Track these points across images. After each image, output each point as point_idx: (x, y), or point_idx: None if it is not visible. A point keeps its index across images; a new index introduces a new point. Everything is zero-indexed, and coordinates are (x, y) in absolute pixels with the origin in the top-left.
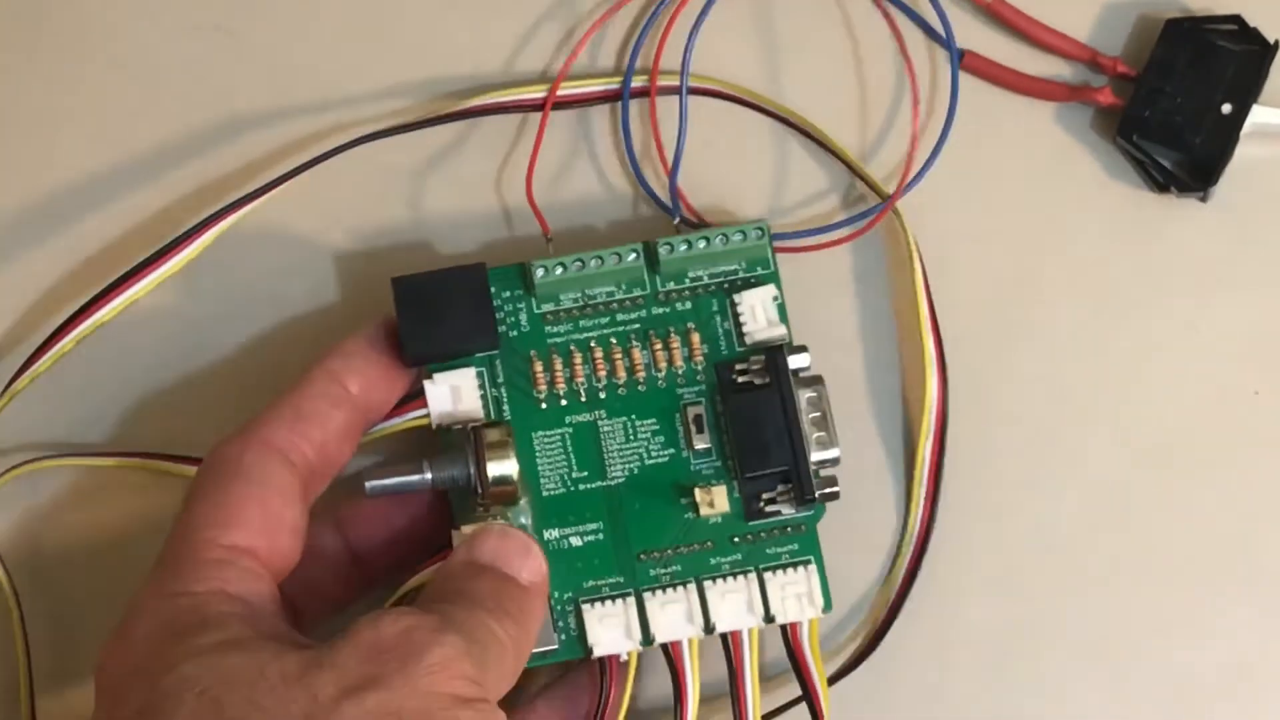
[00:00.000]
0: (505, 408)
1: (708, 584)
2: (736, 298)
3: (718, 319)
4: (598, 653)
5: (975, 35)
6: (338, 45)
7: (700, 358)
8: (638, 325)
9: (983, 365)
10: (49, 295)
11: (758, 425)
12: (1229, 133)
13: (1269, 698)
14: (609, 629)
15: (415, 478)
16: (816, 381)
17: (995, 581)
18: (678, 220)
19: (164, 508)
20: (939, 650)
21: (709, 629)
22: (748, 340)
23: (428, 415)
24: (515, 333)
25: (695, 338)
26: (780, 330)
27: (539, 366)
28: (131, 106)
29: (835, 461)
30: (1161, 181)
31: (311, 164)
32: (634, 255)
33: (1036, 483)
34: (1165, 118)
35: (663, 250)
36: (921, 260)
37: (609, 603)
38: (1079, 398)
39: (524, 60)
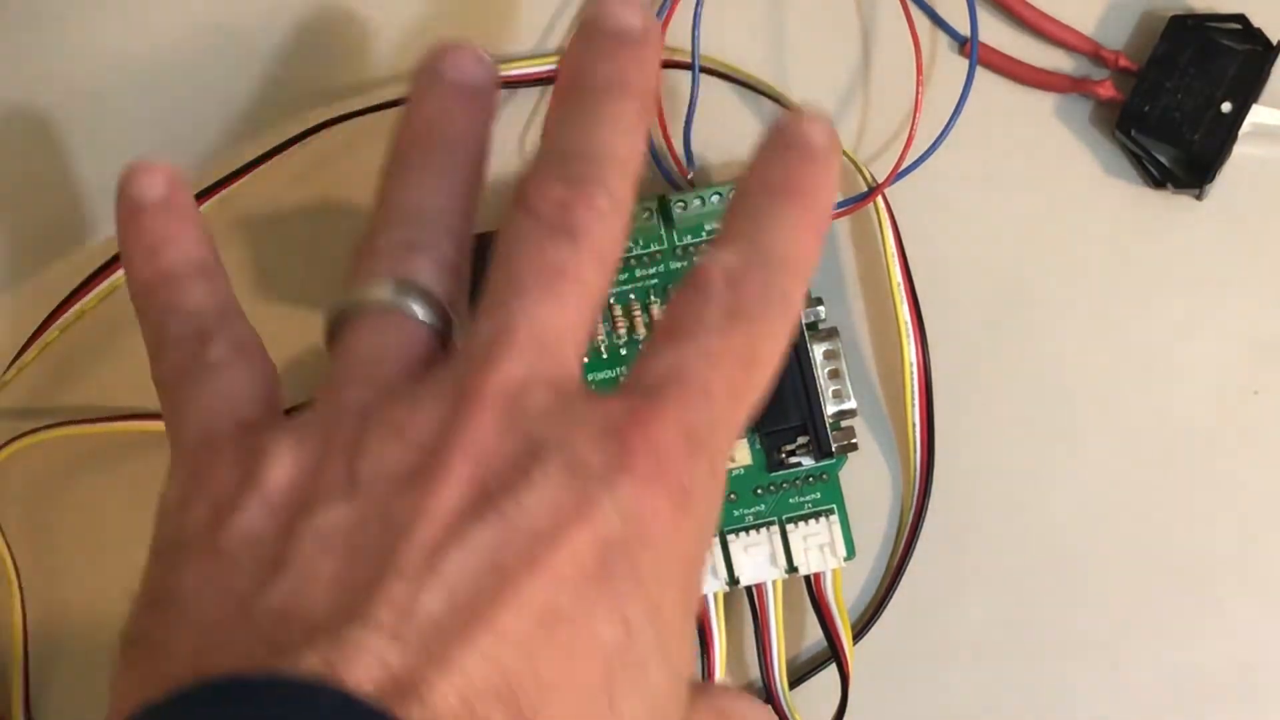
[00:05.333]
0: None
1: (730, 538)
2: None
3: None
4: None
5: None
6: (340, 42)
7: None
8: (656, 281)
9: (978, 360)
10: (51, 290)
11: (774, 380)
12: (1227, 131)
13: (1269, 698)
14: None
15: None
16: (833, 334)
17: (993, 582)
18: (691, 174)
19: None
20: (937, 652)
21: (733, 582)
22: None
23: None
24: None
25: None
26: None
27: None
28: (131, 105)
29: (852, 413)
30: (1158, 177)
31: (295, 140)
32: (647, 213)
33: (1035, 482)
34: (1165, 114)
35: (676, 207)
36: (896, 229)
37: None
38: (1077, 396)
39: (527, 44)
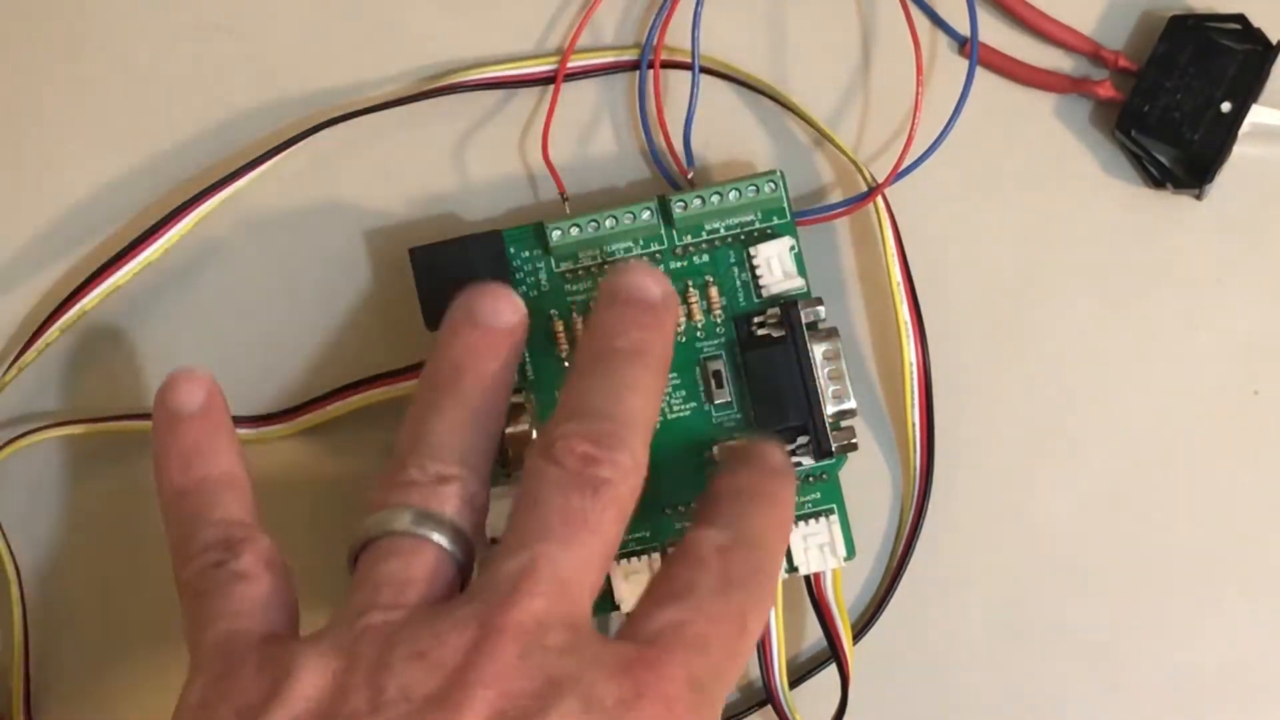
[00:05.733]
0: (528, 367)
1: None
2: (753, 250)
3: (735, 271)
4: (624, 609)
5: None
6: (340, 42)
7: (719, 311)
8: None
9: (978, 360)
10: (52, 290)
11: (774, 380)
12: (1227, 131)
13: (1269, 698)
14: (635, 586)
15: None
16: (833, 334)
17: (993, 583)
18: (691, 174)
19: None
20: (937, 652)
21: None
22: (764, 293)
23: None
24: (535, 293)
25: (713, 291)
26: (798, 282)
27: (560, 325)
28: (132, 105)
29: (852, 413)
30: (1158, 177)
31: (295, 140)
32: (648, 213)
33: (1035, 482)
34: (1164, 114)
35: (676, 207)
36: (896, 229)
37: (634, 559)
38: (1077, 396)
39: (527, 44)
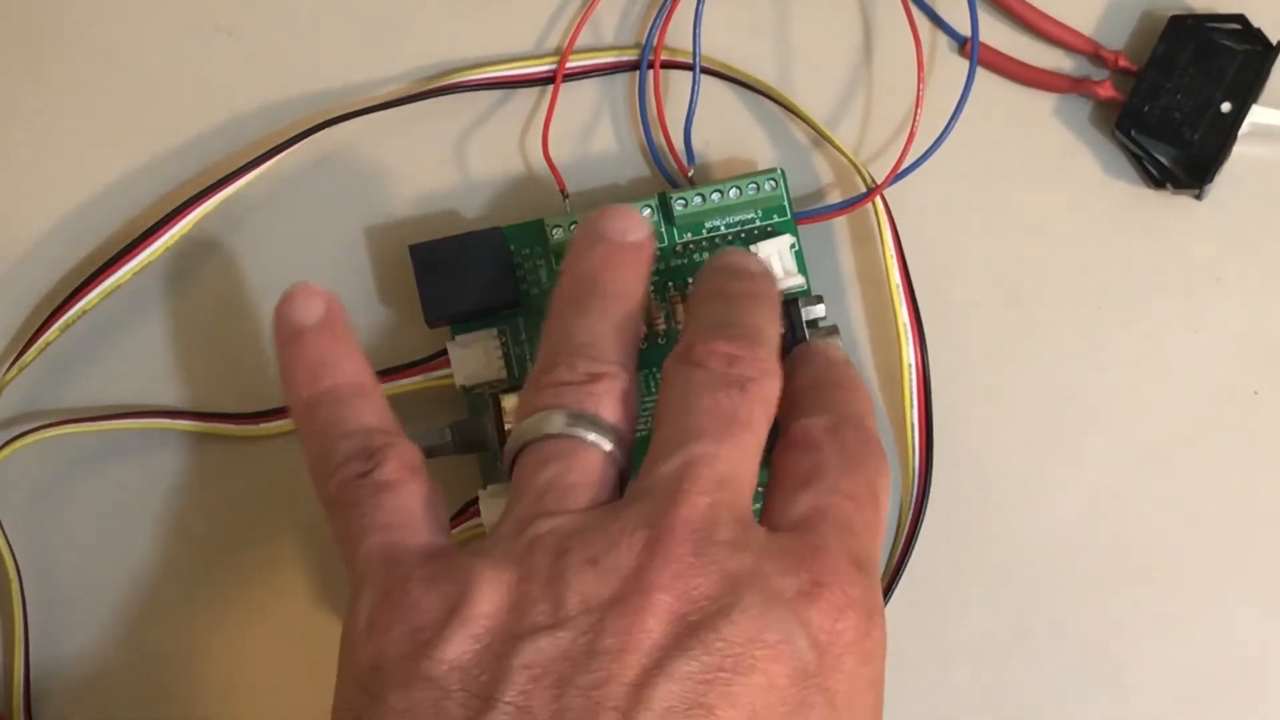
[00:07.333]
0: (529, 366)
1: None
2: (754, 248)
3: None
4: None
5: (978, 22)
6: (340, 42)
7: None
8: (656, 278)
9: (978, 360)
10: (52, 290)
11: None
12: (1227, 131)
13: (1269, 698)
14: None
15: (438, 442)
16: (833, 332)
17: (993, 582)
18: (691, 173)
19: (166, 470)
20: (937, 652)
21: None
22: None
23: (452, 375)
24: (536, 290)
25: None
26: (798, 280)
27: None
28: (131, 106)
29: None
30: (1158, 177)
31: (295, 140)
32: (649, 210)
33: (1035, 482)
34: (1164, 114)
35: (677, 204)
36: (895, 231)
37: None
38: (1077, 396)
39: (527, 44)
